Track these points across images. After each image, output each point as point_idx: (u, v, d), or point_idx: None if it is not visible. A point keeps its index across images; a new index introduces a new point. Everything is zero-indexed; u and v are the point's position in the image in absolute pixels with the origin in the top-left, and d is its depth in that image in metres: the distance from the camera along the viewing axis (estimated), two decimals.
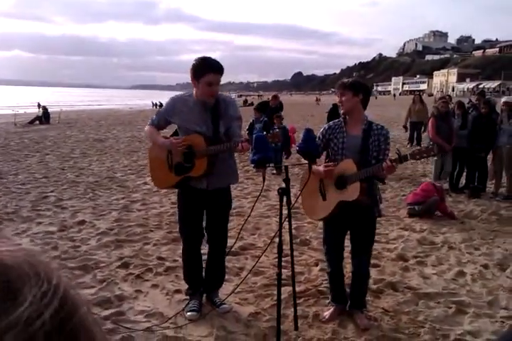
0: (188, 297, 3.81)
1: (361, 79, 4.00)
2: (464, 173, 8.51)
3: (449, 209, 6.73)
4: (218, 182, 3.58)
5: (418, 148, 3.44)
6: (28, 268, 0.40)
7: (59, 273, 0.42)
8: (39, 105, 24.79)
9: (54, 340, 0.37)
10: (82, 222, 6.01)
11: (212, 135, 3.49)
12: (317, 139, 3.51)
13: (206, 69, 3.35)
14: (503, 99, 8.39)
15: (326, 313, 3.69)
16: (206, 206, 3.64)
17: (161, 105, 49.65)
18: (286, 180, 3.30)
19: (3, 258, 0.39)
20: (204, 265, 3.84)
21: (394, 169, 3.34)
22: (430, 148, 3.43)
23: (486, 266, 4.78)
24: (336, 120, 3.66)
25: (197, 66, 3.37)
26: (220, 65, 3.40)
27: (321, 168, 3.47)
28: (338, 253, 3.69)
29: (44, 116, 23.09)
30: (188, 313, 3.60)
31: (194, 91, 3.52)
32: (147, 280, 4.31)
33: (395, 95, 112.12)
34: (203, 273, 3.82)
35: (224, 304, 3.72)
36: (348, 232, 3.69)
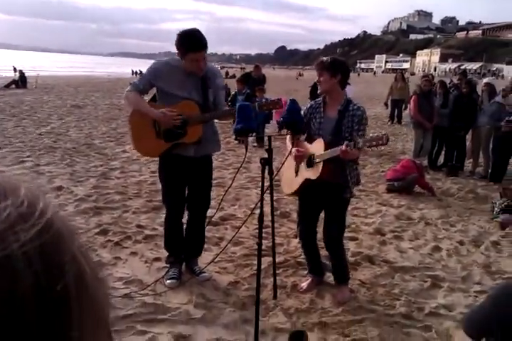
0: (167, 265, 3.80)
1: (341, 57, 3.88)
2: (443, 152, 8.60)
3: (429, 184, 6.83)
4: (205, 150, 3.57)
5: (371, 135, 3.32)
6: (7, 186, 0.37)
7: (47, 200, 0.39)
8: (15, 69, 24.13)
9: (34, 266, 0.34)
10: (59, 188, 5.92)
11: (202, 102, 3.47)
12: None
13: (188, 48, 3.28)
14: (485, 80, 8.47)
15: (304, 284, 3.75)
16: (190, 174, 3.60)
17: (141, 73, 48.90)
18: (269, 150, 3.26)
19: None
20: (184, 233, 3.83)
21: (348, 154, 3.18)
22: (380, 136, 3.17)
23: (461, 243, 4.87)
24: (318, 99, 3.66)
25: (180, 43, 3.30)
26: (202, 43, 3.30)
27: (294, 151, 3.49)
28: (309, 224, 3.70)
29: (21, 80, 22.53)
30: (168, 281, 3.60)
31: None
32: (126, 248, 4.28)
33: (375, 72, 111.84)
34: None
35: (204, 272, 3.74)
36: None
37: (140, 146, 3.66)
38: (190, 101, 3.43)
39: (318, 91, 3.65)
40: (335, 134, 3.46)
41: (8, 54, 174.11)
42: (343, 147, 3.17)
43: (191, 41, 3.29)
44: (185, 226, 3.82)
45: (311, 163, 3.48)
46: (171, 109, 3.40)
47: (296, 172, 3.60)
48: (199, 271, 3.74)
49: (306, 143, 3.54)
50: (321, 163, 3.37)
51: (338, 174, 3.45)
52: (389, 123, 14.62)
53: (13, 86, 22.11)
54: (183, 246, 3.80)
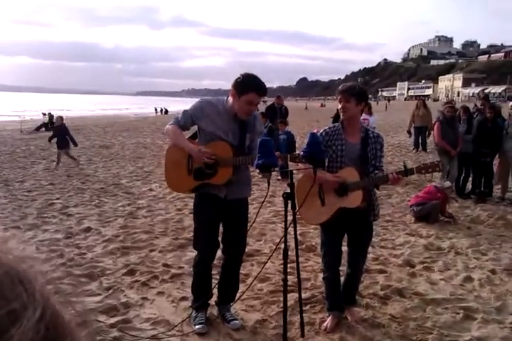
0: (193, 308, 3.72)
1: (362, 85, 3.99)
2: (470, 178, 8.48)
3: (446, 211, 6.73)
4: (236, 193, 3.53)
5: (424, 162, 3.57)
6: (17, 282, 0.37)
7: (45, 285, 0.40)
8: (43, 114, 24.85)
9: None
10: (88, 229, 6.02)
11: (238, 145, 3.46)
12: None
13: (252, 88, 3.31)
14: (511, 104, 8.36)
15: (327, 323, 3.63)
16: (224, 216, 3.55)
17: (166, 112, 49.81)
18: (291, 185, 3.28)
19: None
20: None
21: (399, 181, 3.45)
22: (436, 164, 3.49)
23: (493, 271, 4.74)
24: (332, 126, 3.66)
25: (243, 82, 3.32)
26: (265, 88, 3.38)
27: (329, 177, 3.47)
28: (336, 256, 3.68)
29: (50, 123, 23.17)
30: (197, 326, 3.51)
31: (227, 101, 3.46)
32: (153, 288, 4.30)
33: (389, 100, 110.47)
34: (215, 287, 3.72)
35: (235, 320, 3.62)
36: (346, 237, 3.73)
37: (171, 180, 3.68)
38: (226, 142, 3.43)
39: (342, 117, 3.60)
40: (362, 161, 3.53)
41: (37, 97, 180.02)
42: (394, 175, 3.35)
43: (257, 83, 3.34)
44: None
45: (343, 191, 3.46)
46: (205, 149, 3.39)
47: (322, 201, 3.55)
48: (230, 318, 3.63)
49: (325, 172, 3.51)
50: (360, 190, 3.44)
51: (367, 199, 3.53)
52: (414, 151, 14.51)
53: (43, 129, 22.75)
54: (213, 291, 3.71)
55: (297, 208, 3.37)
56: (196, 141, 3.60)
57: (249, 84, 3.32)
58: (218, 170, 3.42)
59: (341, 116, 3.63)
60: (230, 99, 3.45)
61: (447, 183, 7.03)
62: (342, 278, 3.82)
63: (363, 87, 3.83)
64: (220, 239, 3.66)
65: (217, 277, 3.82)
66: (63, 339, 0.39)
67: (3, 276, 0.37)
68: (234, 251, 3.66)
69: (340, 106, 3.57)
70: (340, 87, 3.59)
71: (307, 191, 3.33)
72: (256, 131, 3.57)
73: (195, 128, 3.62)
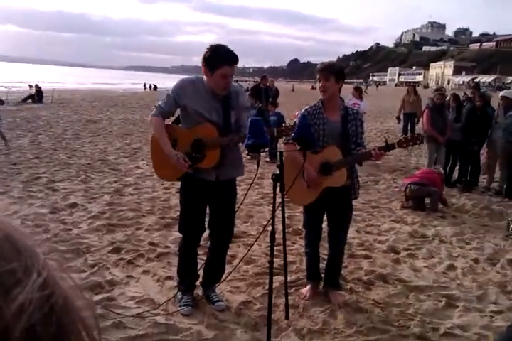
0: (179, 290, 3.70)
1: (339, 63, 4.06)
2: (457, 167, 8.53)
3: (444, 195, 6.77)
4: (228, 174, 3.47)
5: (404, 136, 3.64)
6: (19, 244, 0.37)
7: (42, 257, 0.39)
8: (30, 86, 24.42)
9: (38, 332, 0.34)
10: (73, 205, 5.97)
11: (223, 125, 3.38)
12: None
13: (222, 61, 3.19)
14: (501, 94, 8.37)
15: (306, 292, 3.84)
16: (212, 199, 3.50)
17: (155, 88, 49.22)
18: (281, 166, 3.24)
19: None
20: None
21: (382, 156, 3.51)
22: (416, 136, 3.52)
23: (476, 261, 4.81)
24: (313, 105, 3.68)
25: (211, 57, 3.20)
26: (235, 56, 3.24)
27: (310, 171, 3.52)
28: (317, 234, 3.84)
29: (37, 95, 22.83)
30: (183, 308, 3.50)
31: (205, 78, 3.37)
32: (139, 266, 4.29)
33: (377, 85, 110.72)
34: (202, 268, 3.70)
35: (220, 301, 3.62)
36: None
37: (159, 169, 3.63)
38: (209, 123, 3.35)
39: (322, 97, 3.62)
40: (343, 138, 3.57)
41: (24, 68, 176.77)
42: (377, 151, 3.37)
43: (225, 54, 3.21)
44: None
45: (327, 170, 3.48)
46: (185, 156, 3.31)
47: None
48: (215, 299, 3.63)
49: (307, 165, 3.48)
50: (344, 169, 3.49)
51: (349, 176, 3.59)
52: (402, 137, 14.54)
53: (30, 100, 22.41)
54: (199, 272, 3.70)
55: (286, 190, 3.36)
56: (180, 125, 3.53)
57: (218, 58, 3.20)
58: (206, 153, 3.36)
59: (321, 95, 3.63)
60: (206, 79, 3.35)
61: (441, 169, 7.09)
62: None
63: (341, 64, 3.87)
64: (206, 222, 3.62)
65: (203, 258, 3.81)
66: (67, 307, 0.38)
67: (4, 240, 0.37)
68: (222, 236, 3.63)
69: (319, 84, 3.56)
70: (318, 66, 3.62)
71: (292, 173, 3.32)
72: (240, 106, 3.47)
73: (177, 111, 3.54)
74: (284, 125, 3.38)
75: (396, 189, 7.41)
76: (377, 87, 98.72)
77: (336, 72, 3.51)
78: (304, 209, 3.88)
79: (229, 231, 3.66)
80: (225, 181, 3.48)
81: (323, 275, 3.96)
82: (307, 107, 3.68)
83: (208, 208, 3.59)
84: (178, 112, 3.56)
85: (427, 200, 6.59)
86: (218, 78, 3.25)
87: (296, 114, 11.31)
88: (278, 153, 3.43)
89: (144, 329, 3.22)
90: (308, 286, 3.88)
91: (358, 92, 10.49)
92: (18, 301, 0.33)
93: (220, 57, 3.21)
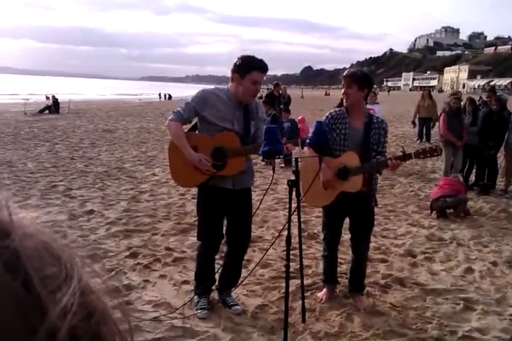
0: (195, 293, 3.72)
1: (366, 72, 4.05)
2: (474, 170, 8.46)
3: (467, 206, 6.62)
4: (243, 183, 3.51)
5: (423, 147, 3.66)
6: (51, 259, 0.37)
7: (79, 263, 0.40)
8: (47, 97, 24.71)
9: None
10: (91, 212, 6.03)
11: (244, 134, 3.43)
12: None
13: (254, 66, 3.30)
14: None
15: (322, 295, 3.82)
16: (229, 207, 3.52)
17: (169, 97, 49.61)
18: (296, 172, 3.28)
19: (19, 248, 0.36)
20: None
21: (398, 166, 3.53)
22: (434, 148, 3.59)
23: (494, 264, 4.75)
24: (338, 109, 3.71)
25: (243, 63, 3.31)
26: (266, 64, 3.36)
27: (327, 172, 3.53)
28: (336, 238, 3.83)
29: (54, 106, 23.14)
30: (199, 312, 3.52)
31: (229, 88, 3.43)
32: (155, 271, 4.32)
33: (389, 91, 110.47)
34: (218, 272, 3.72)
35: (236, 305, 3.62)
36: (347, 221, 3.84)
37: (177, 176, 3.65)
38: (232, 132, 3.40)
39: (345, 103, 3.66)
40: (364, 145, 3.58)
41: (42, 80, 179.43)
42: (393, 160, 3.41)
43: (257, 61, 3.34)
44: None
45: (344, 175, 3.50)
46: (207, 158, 3.36)
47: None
48: (231, 303, 3.64)
49: (325, 166, 3.50)
50: (361, 175, 3.51)
51: (367, 184, 3.58)
52: (418, 141, 14.47)
53: (47, 111, 22.72)
54: (215, 276, 3.72)
55: (301, 195, 3.37)
56: (197, 132, 3.57)
57: (249, 64, 3.31)
58: (228, 161, 3.40)
59: (344, 102, 3.67)
60: (231, 86, 3.42)
61: (460, 177, 7.02)
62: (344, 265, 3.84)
63: (366, 73, 3.87)
64: (224, 229, 3.65)
65: (220, 262, 3.83)
66: (104, 315, 0.39)
67: (42, 246, 0.38)
68: (239, 243, 3.65)
69: (343, 91, 3.60)
70: (344, 73, 3.64)
71: (309, 177, 3.36)
72: (259, 117, 3.56)
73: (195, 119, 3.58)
74: (297, 134, 3.43)
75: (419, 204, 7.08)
76: (388, 92, 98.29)
77: (359, 79, 3.52)
78: (323, 213, 3.88)
79: (246, 238, 3.69)
80: (241, 189, 3.51)
81: (339, 278, 3.96)
82: (332, 111, 3.71)
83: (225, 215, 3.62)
84: (195, 120, 3.59)
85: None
86: (248, 84, 3.32)
87: (300, 118, 11.33)
88: (294, 159, 3.46)
89: (160, 332, 3.24)
90: (325, 290, 3.88)
91: (374, 97, 10.46)
92: (63, 303, 0.35)
93: (252, 64, 3.32)
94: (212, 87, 3.72)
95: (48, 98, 25.21)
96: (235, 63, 3.34)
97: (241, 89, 3.36)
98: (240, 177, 3.47)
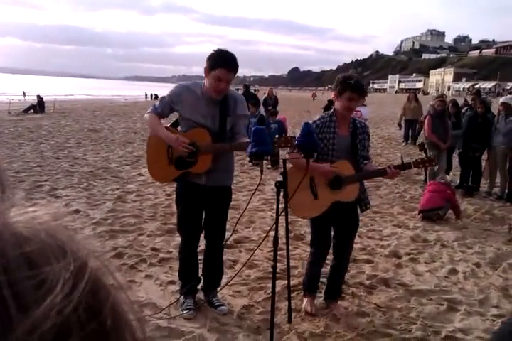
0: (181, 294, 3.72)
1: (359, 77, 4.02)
2: (458, 172, 8.56)
3: (459, 208, 6.63)
4: (216, 180, 3.48)
5: (421, 157, 3.74)
6: (51, 241, 0.35)
7: (86, 246, 0.38)
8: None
9: (86, 329, 0.33)
10: (76, 211, 5.99)
11: (218, 131, 3.40)
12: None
13: (219, 63, 3.24)
14: (501, 100, 8.39)
15: (308, 306, 3.68)
16: (205, 202, 3.53)
17: (156, 97, 49.35)
18: (284, 174, 3.27)
19: (18, 230, 0.34)
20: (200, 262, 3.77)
21: (397, 175, 3.57)
22: (432, 159, 3.66)
23: (478, 265, 4.81)
24: (321, 117, 3.59)
25: (212, 58, 3.26)
26: (234, 64, 3.28)
27: (325, 167, 3.45)
28: (326, 245, 3.68)
29: (39, 105, 22.93)
30: (185, 312, 3.52)
31: (204, 84, 3.41)
32: (141, 271, 4.31)
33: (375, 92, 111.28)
34: (200, 271, 3.72)
35: (222, 305, 3.62)
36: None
37: (153, 170, 3.68)
38: (203, 128, 3.38)
39: (348, 115, 3.57)
40: (353, 153, 3.54)
41: (25, 79, 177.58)
42: (392, 169, 3.42)
43: (225, 58, 3.27)
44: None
45: (338, 184, 3.46)
46: (182, 136, 3.35)
47: (315, 194, 3.50)
48: (217, 304, 3.64)
49: (317, 164, 3.45)
50: (357, 184, 3.50)
51: (360, 190, 3.59)
52: (404, 143, 14.59)
53: (32, 111, 22.51)
54: (201, 276, 3.71)
55: (289, 197, 3.36)
56: (178, 128, 3.57)
57: (217, 60, 3.26)
58: (199, 158, 3.38)
59: (341, 111, 3.51)
60: (206, 81, 3.39)
61: (448, 177, 7.06)
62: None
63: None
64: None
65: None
66: (115, 308, 0.37)
67: (49, 237, 0.36)
68: (214, 238, 3.67)
69: (348, 103, 3.45)
70: (356, 83, 3.45)
71: (297, 181, 3.28)
72: (237, 114, 3.46)
73: (176, 115, 3.58)
74: (284, 135, 3.43)
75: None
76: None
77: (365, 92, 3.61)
78: (312, 228, 3.71)
79: (220, 233, 3.67)
80: (214, 187, 3.48)
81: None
82: (316, 120, 3.57)
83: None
84: (176, 115, 3.60)
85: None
86: (212, 79, 3.29)
87: (282, 117, 11.36)
88: (281, 161, 3.46)
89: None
90: (309, 300, 3.73)
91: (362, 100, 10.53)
92: (77, 293, 0.33)
93: (220, 59, 3.27)
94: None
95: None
96: (208, 55, 3.30)
97: (207, 83, 3.35)
98: (213, 175, 3.43)
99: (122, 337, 0.38)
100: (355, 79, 3.45)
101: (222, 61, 3.26)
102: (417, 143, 9.08)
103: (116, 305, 0.37)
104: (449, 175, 8.46)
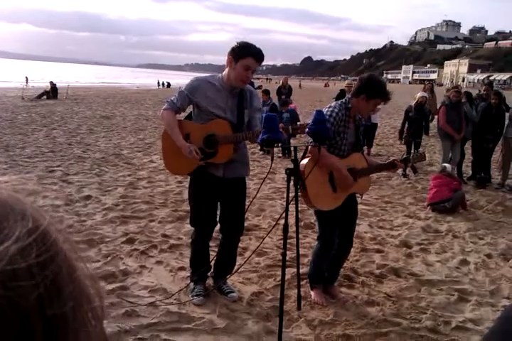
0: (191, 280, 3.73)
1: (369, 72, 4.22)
2: (470, 163, 8.49)
3: (465, 200, 6.57)
4: (234, 172, 3.47)
5: (417, 153, 4.02)
6: (13, 203, 0.40)
7: (49, 217, 0.42)
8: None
9: (36, 280, 0.36)
10: (88, 197, 6.02)
11: (236, 122, 3.40)
12: (329, 124, 3.46)
13: (248, 52, 3.27)
14: None
15: (318, 298, 3.66)
16: (221, 195, 3.51)
17: (168, 85, 49.39)
18: (295, 161, 3.26)
19: None
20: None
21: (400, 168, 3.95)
22: (423, 155, 3.94)
23: (489, 256, 4.78)
24: (340, 104, 3.57)
25: (240, 47, 3.29)
26: (262, 54, 3.33)
27: (344, 171, 3.43)
28: (336, 237, 3.64)
29: (52, 91, 23.03)
30: (195, 298, 3.53)
31: (223, 75, 3.40)
32: (151, 257, 4.33)
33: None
34: (213, 260, 3.72)
35: (232, 292, 3.64)
36: None
37: (170, 164, 3.64)
38: (224, 120, 3.38)
39: (372, 114, 3.82)
40: (357, 145, 3.63)
41: (42, 65, 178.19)
42: (400, 164, 3.69)
43: (253, 48, 3.31)
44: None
45: (354, 177, 3.48)
46: (196, 148, 3.33)
47: (334, 187, 3.49)
48: (227, 290, 3.65)
49: (334, 156, 3.47)
50: (369, 176, 3.67)
51: None
52: None
53: (45, 97, 22.62)
54: (212, 264, 3.73)
55: (302, 189, 3.35)
56: (192, 121, 3.55)
57: (246, 49, 3.29)
58: (219, 149, 3.38)
59: (362, 113, 3.64)
60: (225, 74, 3.39)
61: (448, 166, 6.94)
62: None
63: None
64: (218, 216, 3.63)
65: (215, 249, 3.84)
66: (58, 254, 0.40)
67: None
68: (231, 231, 3.63)
69: (376, 105, 3.63)
70: (385, 88, 3.53)
71: (317, 176, 3.37)
72: (253, 107, 3.50)
73: (190, 108, 3.56)
74: (298, 123, 3.41)
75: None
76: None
77: None
78: (320, 221, 3.64)
79: (239, 226, 3.66)
80: (231, 179, 3.47)
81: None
82: (336, 109, 3.50)
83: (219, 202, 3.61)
84: (190, 108, 3.58)
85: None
86: (240, 68, 3.28)
87: (293, 106, 11.32)
88: (292, 148, 3.44)
89: (156, 317, 3.25)
90: (317, 291, 3.70)
91: None
92: (30, 247, 0.37)
93: (248, 49, 3.29)
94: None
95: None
96: (233, 47, 3.32)
97: (233, 73, 3.33)
98: (231, 166, 3.43)
99: (76, 295, 0.40)
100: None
101: (251, 51, 3.29)
102: (403, 137, 9.34)
103: (72, 272, 0.40)
104: (461, 166, 8.39)
